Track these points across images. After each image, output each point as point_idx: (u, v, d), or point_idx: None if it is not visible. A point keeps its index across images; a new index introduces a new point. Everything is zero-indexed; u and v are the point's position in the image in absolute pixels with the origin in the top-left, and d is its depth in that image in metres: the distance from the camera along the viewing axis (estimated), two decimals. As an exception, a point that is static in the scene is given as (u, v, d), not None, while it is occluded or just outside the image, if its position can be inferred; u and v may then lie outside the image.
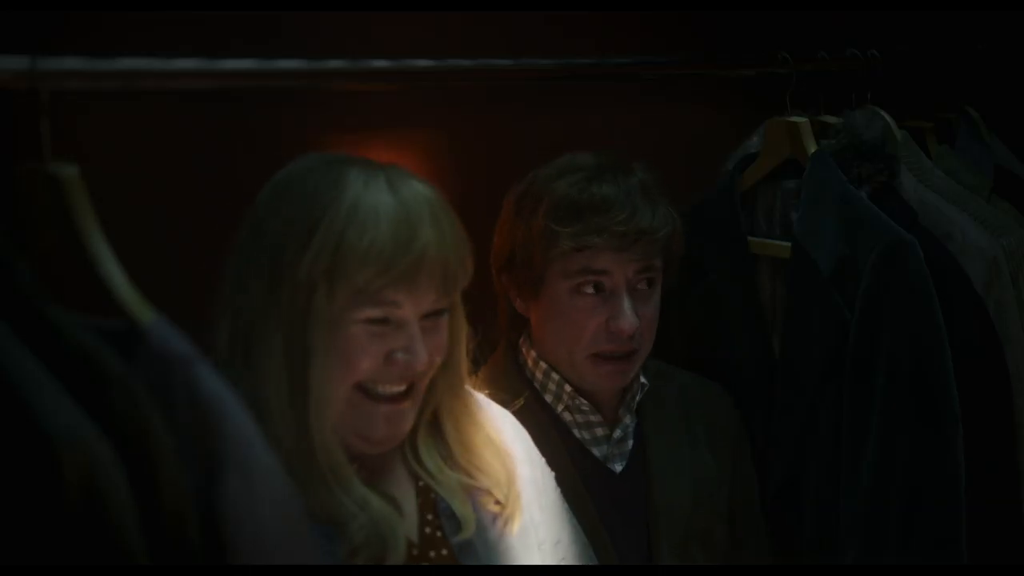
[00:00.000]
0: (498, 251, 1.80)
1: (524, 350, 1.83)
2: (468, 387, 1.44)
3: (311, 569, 1.12)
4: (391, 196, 1.28)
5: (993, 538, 1.89)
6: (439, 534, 1.38)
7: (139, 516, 0.89)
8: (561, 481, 1.58)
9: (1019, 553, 1.94)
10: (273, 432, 1.23)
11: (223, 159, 1.51)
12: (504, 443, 1.46)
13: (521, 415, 1.72)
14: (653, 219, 1.72)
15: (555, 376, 1.79)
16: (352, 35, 1.76)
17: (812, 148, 1.98)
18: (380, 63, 1.61)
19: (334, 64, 1.55)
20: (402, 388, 1.32)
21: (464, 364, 1.41)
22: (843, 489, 1.84)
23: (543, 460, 1.54)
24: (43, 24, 1.43)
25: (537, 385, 1.80)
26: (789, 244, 1.94)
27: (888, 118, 2.09)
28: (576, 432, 1.79)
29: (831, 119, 2.03)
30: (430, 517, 1.38)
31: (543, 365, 1.80)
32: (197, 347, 1.06)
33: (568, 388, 1.78)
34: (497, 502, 1.41)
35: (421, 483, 1.40)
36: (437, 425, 1.41)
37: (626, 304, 1.71)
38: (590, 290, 1.72)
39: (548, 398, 1.80)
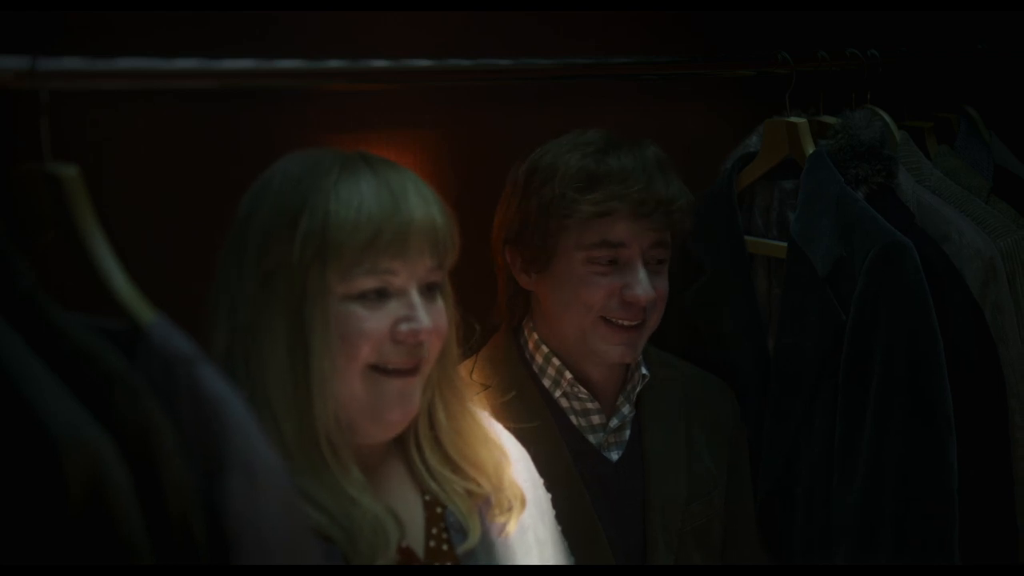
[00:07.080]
0: (502, 226, 1.80)
1: (526, 332, 1.83)
2: (462, 377, 1.45)
3: (312, 569, 1.12)
4: (370, 172, 1.30)
5: (985, 538, 1.89)
6: (445, 547, 1.38)
7: (143, 515, 0.89)
8: (554, 465, 1.59)
9: (1011, 553, 1.95)
10: (274, 419, 1.24)
11: (223, 159, 1.50)
12: (498, 438, 1.47)
13: (517, 399, 1.73)
14: (669, 189, 1.74)
15: (555, 361, 1.79)
16: (355, 34, 1.76)
17: (810, 148, 1.98)
18: (379, 63, 1.61)
19: (333, 64, 1.55)
20: (411, 365, 1.32)
21: (457, 352, 1.42)
22: (836, 488, 1.84)
23: (542, 481, 1.55)
24: (43, 24, 1.43)
25: (536, 369, 1.81)
26: (786, 244, 1.94)
27: (887, 118, 2.09)
28: (573, 419, 1.80)
29: (830, 119, 2.03)
30: (435, 531, 1.39)
31: (544, 349, 1.80)
32: (198, 347, 1.06)
33: (568, 375, 1.79)
34: (500, 511, 1.41)
35: (428, 497, 1.40)
36: (432, 417, 1.41)
37: (642, 274, 1.73)
38: (604, 263, 1.73)
39: (546, 383, 1.80)
